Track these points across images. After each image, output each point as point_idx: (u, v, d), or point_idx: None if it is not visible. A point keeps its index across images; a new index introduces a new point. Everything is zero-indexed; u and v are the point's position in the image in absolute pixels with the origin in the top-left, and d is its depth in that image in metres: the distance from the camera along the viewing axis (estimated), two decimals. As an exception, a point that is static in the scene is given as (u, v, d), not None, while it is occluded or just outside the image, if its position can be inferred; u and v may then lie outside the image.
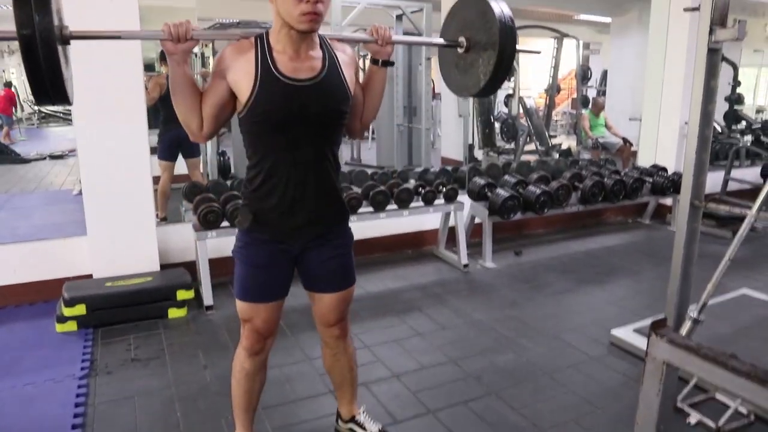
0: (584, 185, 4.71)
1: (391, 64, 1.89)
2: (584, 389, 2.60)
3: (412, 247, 4.67)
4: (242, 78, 1.67)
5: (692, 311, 2.19)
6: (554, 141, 8.22)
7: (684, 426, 2.30)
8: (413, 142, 7.29)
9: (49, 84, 1.38)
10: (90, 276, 3.45)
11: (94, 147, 3.32)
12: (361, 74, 1.93)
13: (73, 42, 1.51)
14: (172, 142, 4.81)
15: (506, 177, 4.76)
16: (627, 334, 3.02)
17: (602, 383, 2.66)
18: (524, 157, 7.19)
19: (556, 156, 7.17)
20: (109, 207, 3.40)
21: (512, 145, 7.60)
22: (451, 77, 2.18)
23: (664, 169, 5.37)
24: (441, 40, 2.07)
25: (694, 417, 2.33)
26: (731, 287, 3.57)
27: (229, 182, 4.70)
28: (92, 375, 2.70)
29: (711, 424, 2.28)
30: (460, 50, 2.02)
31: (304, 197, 1.78)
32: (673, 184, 5.05)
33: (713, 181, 5.74)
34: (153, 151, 3.93)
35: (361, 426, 2.17)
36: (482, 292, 3.83)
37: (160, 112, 4.65)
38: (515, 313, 3.45)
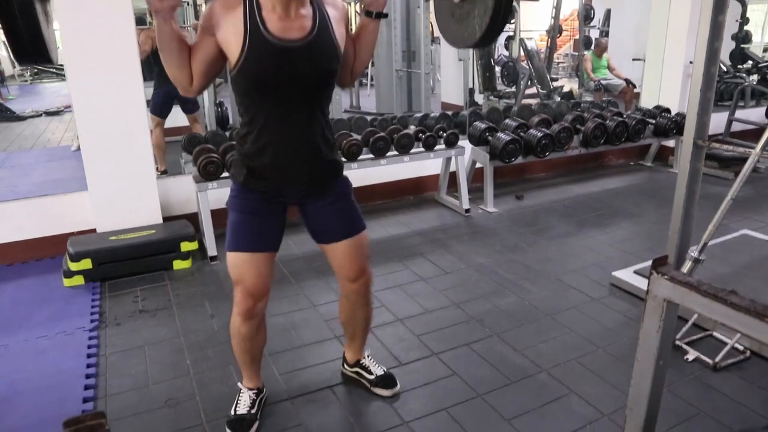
0: (586, 128, 4.67)
1: (385, 15, 1.84)
2: (585, 330, 2.65)
3: (413, 193, 4.67)
4: (231, 38, 1.63)
5: (693, 251, 2.20)
6: (556, 84, 8.06)
7: (682, 363, 2.36)
8: (413, 87, 7.18)
9: (28, 41, 1.32)
10: (94, 230, 3.47)
11: (90, 102, 3.27)
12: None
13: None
14: (167, 97, 4.76)
15: (507, 121, 4.70)
16: (627, 275, 3.05)
17: (603, 324, 2.70)
18: (525, 101, 7.08)
19: (558, 99, 7.06)
20: (109, 161, 3.39)
21: (513, 89, 7.47)
22: (447, 28, 2.13)
23: (668, 110, 5.30)
24: None
25: (692, 354, 2.39)
26: (732, 228, 3.59)
27: (227, 133, 4.66)
28: (102, 327, 2.75)
29: (708, 360, 2.33)
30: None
31: (296, 157, 1.78)
32: (676, 126, 5.00)
33: (717, 122, 5.67)
34: (149, 104, 3.89)
35: (367, 370, 2.22)
36: (484, 236, 3.86)
37: (154, 67, 4.57)
38: (517, 256, 3.48)
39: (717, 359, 2.32)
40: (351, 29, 1.86)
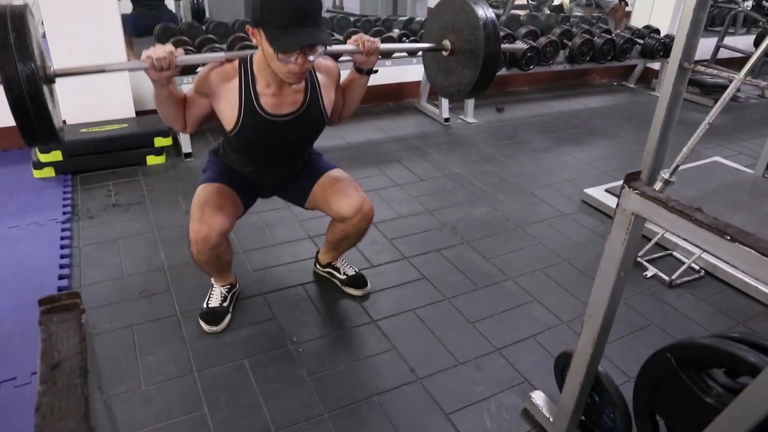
0: (573, 43, 4.57)
1: (375, 72, 1.89)
2: (553, 243, 2.73)
3: (393, 100, 4.60)
4: (226, 109, 1.74)
5: (665, 173, 2.24)
6: (547, -5, 7.80)
7: (641, 279, 2.47)
8: (399, -10, 6.88)
9: (38, 125, 1.39)
10: (63, 122, 3.36)
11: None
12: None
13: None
14: (139, 27, 4.52)
15: (494, 31, 4.57)
16: (599, 193, 3.12)
17: (571, 238, 2.79)
18: (514, 11, 6.86)
19: (547, 11, 6.86)
20: (78, 49, 3.21)
21: (502, -2, 7.23)
22: (433, 73, 2.24)
23: (657, 31, 5.20)
24: (426, 45, 2.09)
25: (651, 271, 2.50)
26: (705, 155, 3.64)
27: (204, 26, 4.45)
28: (74, 219, 2.74)
29: (665, 277, 2.45)
30: (444, 53, 2.05)
31: (278, 173, 2.00)
32: (663, 47, 4.93)
33: (704, 47, 5.60)
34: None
35: (338, 270, 2.28)
36: (462, 146, 3.86)
37: None
38: (493, 168, 3.51)
39: (673, 277, 2.44)
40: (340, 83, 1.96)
